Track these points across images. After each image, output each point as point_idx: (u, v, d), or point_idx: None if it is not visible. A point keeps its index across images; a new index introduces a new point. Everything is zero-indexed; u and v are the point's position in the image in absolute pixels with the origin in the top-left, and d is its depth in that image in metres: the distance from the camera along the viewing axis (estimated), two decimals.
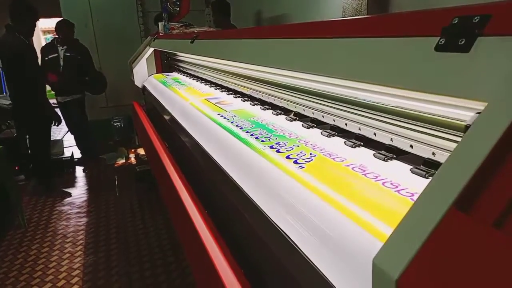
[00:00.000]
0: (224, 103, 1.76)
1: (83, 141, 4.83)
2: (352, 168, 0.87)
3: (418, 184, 0.76)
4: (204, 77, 2.56)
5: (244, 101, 1.79)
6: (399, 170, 0.84)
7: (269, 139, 1.15)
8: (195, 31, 2.54)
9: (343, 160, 0.92)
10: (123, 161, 4.84)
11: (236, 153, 1.14)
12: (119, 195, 3.80)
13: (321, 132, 1.16)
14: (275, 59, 1.12)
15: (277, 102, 1.53)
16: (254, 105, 1.68)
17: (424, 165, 0.81)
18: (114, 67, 5.15)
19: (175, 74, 3.22)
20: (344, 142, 1.05)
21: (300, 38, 0.93)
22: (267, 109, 1.57)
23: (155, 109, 2.63)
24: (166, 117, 2.14)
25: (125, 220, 3.28)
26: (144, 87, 3.30)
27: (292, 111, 1.42)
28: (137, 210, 3.45)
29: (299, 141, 1.10)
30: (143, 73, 3.44)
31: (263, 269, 0.93)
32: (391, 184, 0.77)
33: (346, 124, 1.09)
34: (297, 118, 1.35)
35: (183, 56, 3.04)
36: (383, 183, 0.78)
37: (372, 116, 0.96)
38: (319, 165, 0.92)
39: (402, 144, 0.88)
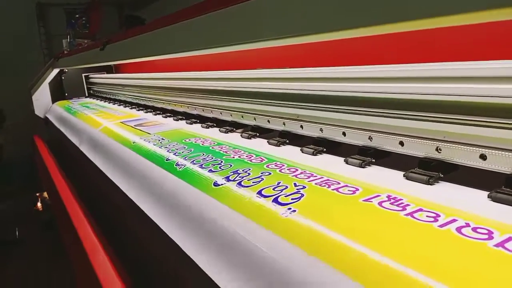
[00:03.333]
0: (148, 124, 1.32)
1: None
2: (379, 204, 0.51)
3: None
4: (124, 98, 2.10)
5: (177, 120, 1.38)
6: (463, 198, 0.51)
7: (219, 167, 0.75)
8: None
9: (354, 192, 0.56)
10: None
11: (169, 194, 0.73)
12: (24, 254, 3.06)
13: (301, 149, 0.80)
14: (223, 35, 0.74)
15: (225, 116, 1.16)
16: (191, 124, 1.28)
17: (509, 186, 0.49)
18: (11, 99, 4.37)
19: (86, 99, 2.68)
20: (345, 161, 0.70)
21: None
22: (211, 126, 1.18)
23: (60, 143, 2.09)
24: (71, 150, 1.64)
25: None
26: (47, 117, 2.71)
27: (248, 125, 1.05)
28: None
29: (267, 166, 0.72)
30: (45, 100, 2.84)
31: None
32: (474, 231, 0.42)
33: (344, 134, 0.74)
34: (257, 134, 0.99)
35: (96, 77, 2.55)
36: (457, 230, 0.42)
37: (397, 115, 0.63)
38: (318, 205, 0.54)
39: (465, 155, 0.55)
